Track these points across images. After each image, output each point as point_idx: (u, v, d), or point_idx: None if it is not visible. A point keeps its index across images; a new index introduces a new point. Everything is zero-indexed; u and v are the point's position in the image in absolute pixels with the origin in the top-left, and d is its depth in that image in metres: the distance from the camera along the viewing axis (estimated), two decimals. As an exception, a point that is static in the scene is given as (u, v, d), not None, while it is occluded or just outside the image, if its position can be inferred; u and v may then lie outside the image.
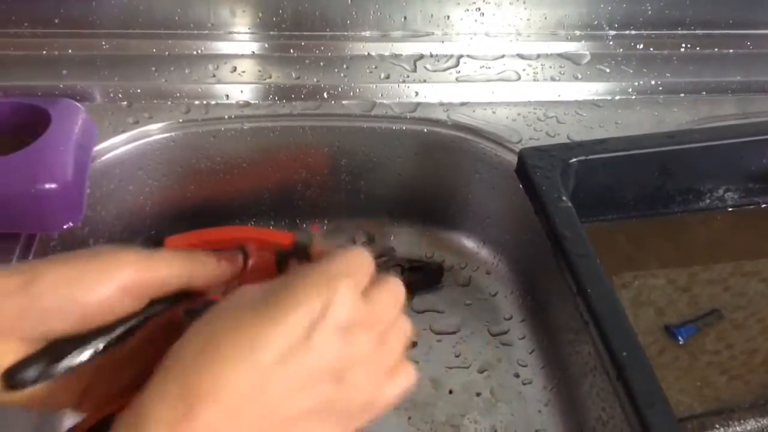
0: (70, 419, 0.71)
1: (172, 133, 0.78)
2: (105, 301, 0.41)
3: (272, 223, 0.88)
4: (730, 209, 0.75)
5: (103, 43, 0.82)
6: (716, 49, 0.92)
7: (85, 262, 0.41)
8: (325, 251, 0.45)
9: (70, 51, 0.81)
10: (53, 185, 0.66)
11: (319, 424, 0.38)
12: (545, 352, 0.81)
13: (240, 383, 0.35)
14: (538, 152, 0.66)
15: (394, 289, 0.41)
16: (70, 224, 0.68)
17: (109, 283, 0.41)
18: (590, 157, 0.66)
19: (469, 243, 0.90)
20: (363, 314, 0.39)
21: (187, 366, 0.36)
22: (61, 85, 0.77)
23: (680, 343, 0.66)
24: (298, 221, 0.88)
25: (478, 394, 0.78)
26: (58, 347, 0.41)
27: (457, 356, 0.81)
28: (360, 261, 0.41)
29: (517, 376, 0.80)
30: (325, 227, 0.89)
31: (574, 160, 0.66)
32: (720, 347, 0.66)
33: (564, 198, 0.62)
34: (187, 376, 0.35)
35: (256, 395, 0.36)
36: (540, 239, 0.79)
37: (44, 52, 0.81)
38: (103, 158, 0.75)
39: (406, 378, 0.41)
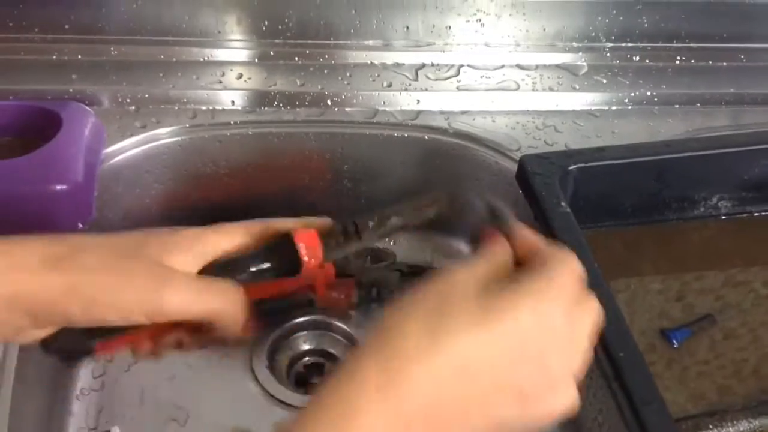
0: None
1: (179, 138, 0.80)
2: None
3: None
4: (723, 217, 0.77)
5: (112, 49, 0.84)
6: (710, 62, 0.94)
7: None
8: (527, 242, 0.45)
9: (79, 56, 0.83)
10: (64, 186, 0.67)
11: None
12: (542, 355, 0.82)
13: (440, 376, 0.37)
14: (538, 159, 0.68)
15: (592, 315, 0.42)
16: (80, 225, 0.69)
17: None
18: (589, 164, 0.68)
19: (468, 249, 0.91)
20: (563, 340, 0.40)
21: (397, 347, 0.37)
22: (70, 90, 0.79)
23: (675, 346, 0.67)
24: (300, 226, 0.90)
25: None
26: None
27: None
28: (575, 272, 0.42)
29: (514, 379, 0.81)
30: (326, 232, 0.90)
31: (573, 167, 0.68)
32: (713, 351, 0.67)
33: (563, 204, 0.64)
34: (394, 357, 0.37)
35: (451, 392, 0.37)
36: (538, 245, 0.81)
37: (54, 57, 0.82)
38: (111, 161, 0.76)
39: (569, 395, 0.41)
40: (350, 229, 0.50)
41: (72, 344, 0.47)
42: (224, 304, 0.46)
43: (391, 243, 0.91)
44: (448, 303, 0.39)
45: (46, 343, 0.46)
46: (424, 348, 0.37)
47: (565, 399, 0.40)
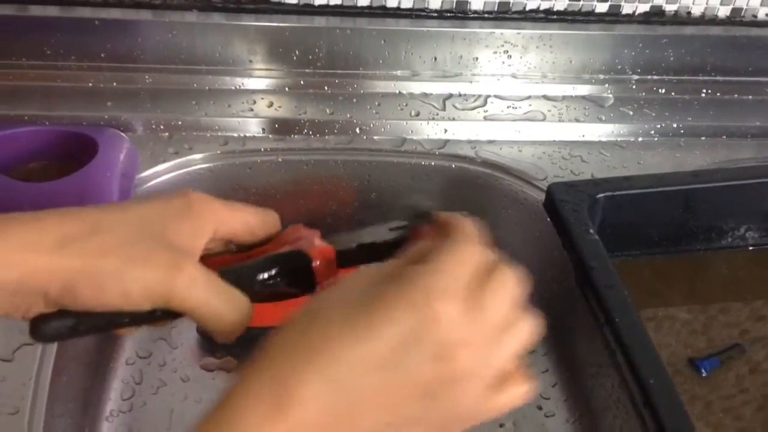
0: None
1: (210, 164, 0.81)
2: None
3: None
4: (750, 248, 0.77)
5: (147, 77, 0.86)
6: (736, 95, 0.94)
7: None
8: (442, 225, 0.43)
9: (114, 84, 0.85)
10: (100, 210, 0.68)
11: None
12: (568, 385, 0.82)
13: (327, 391, 0.36)
14: (566, 187, 0.69)
15: (507, 287, 0.39)
16: (114, 248, 0.70)
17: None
18: (617, 193, 0.69)
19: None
20: (466, 331, 0.37)
21: (279, 366, 0.36)
22: (105, 116, 0.81)
23: (703, 375, 0.67)
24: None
25: (501, 425, 0.79)
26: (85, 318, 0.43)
27: (481, 387, 0.82)
28: (466, 261, 0.38)
29: (540, 408, 0.81)
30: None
31: (601, 195, 0.68)
32: (743, 380, 0.67)
33: (591, 231, 0.65)
34: (280, 376, 0.36)
35: (343, 404, 0.36)
36: (563, 276, 0.82)
37: (90, 84, 0.84)
38: (145, 186, 0.78)
39: (516, 390, 0.39)
40: (365, 242, 0.49)
41: (62, 333, 0.45)
42: (231, 312, 0.45)
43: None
44: (319, 312, 0.38)
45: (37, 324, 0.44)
46: (299, 362, 0.36)
47: (505, 395, 0.38)
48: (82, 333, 0.44)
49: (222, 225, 0.47)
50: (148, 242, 0.43)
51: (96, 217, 0.44)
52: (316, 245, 0.48)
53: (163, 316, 0.44)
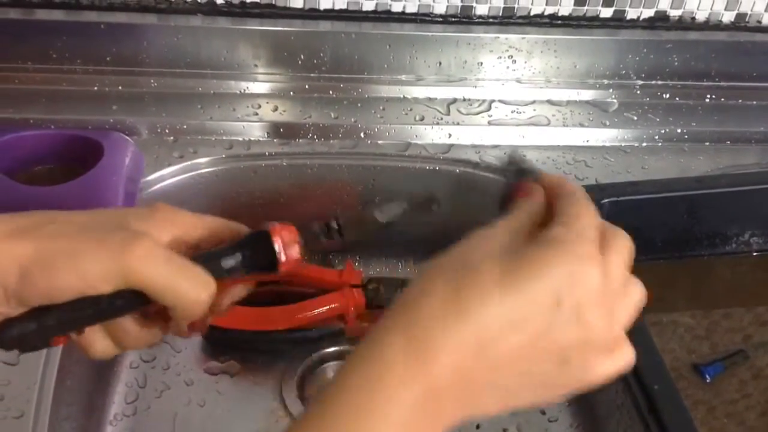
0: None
1: (215, 168, 0.81)
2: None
3: (305, 258, 0.90)
4: (755, 254, 0.77)
5: (152, 81, 0.86)
6: (740, 101, 0.94)
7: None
8: (555, 187, 0.43)
9: (120, 87, 0.85)
10: (105, 213, 0.69)
11: (532, 394, 0.38)
12: (571, 390, 0.82)
13: (470, 345, 0.36)
14: (571, 193, 0.69)
15: (626, 249, 0.40)
16: (118, 251, 0.70)
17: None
18: (621, 198, 0.69)
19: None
20: (601, 294, 0.38)
21: (425, 314, 0.37)
22: (110, 120, 0.81)
23: (707, 381, 0.67)
24: (330, 256, 0.91)
25: (504, 430, 0.79)
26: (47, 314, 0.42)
27: (485, 392, 0.82)
28: (595, 225, 0.39)
29: (543, 413, 0.81)
30: (357, 263, 0.91)
31: (606, 201, 0.69)
32: (746, 386, 0.67)
33: (596, 237, 0.65)
34: (426, 326, 0.36)
35: (483, 359, 0.36)
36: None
37: (96, 88, 0.85)
38: (149, 190, 0.78)
39: (623, 357, 0.39)
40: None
41: (27, 335, 0.43)
42: (192, 286, 0.43)
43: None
44: (470, 266, 0.38)
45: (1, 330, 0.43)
46: (449, 314, 0.36)
47: (614, 360, 0.39)
48: (50, 334, 0.43)
49: (187, 228, 0.46)
50: (105, 227, 0.42)
51: (51, 212, 0.43)
52: (277, 225, 0.46)
53: (126, 303, 0.43)
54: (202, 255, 0.45)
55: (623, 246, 0.40)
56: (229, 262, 0.45)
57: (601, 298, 0.38)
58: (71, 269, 0.41)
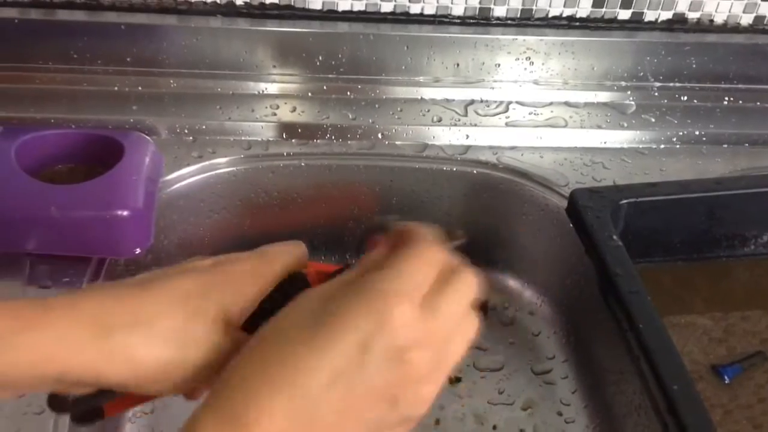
0: None
1: (234, 168, 0.82)
2: None
3: (323, 257, 0.91)
4: (774, 256, 0.77)
5: (171, 81, 0.87)
6: (758, 103, 0.94)
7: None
8: (399, 234, 0.42)
9: (140, 88, 0.86)
10: (125, 212, 0.69)
11: None
12: (588, 391, 0.82)
13: (287, 410, 0.35)
14: (590, 193, 0.69)
15: (463, 289, 0.40)
16: (139, 250, 0.71)
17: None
18: (640, 199, 0.69)
19: (514, 283, 0.92)
20: (421, 332, 0.37)
21: (236, 391, 0.36)
22: (130, 120, 0.82)
23: (726, 382, 0.67)
24: (347, 256, 0.91)
25: (521, 431, 0.79)
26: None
27: (501, 393, 0.82)
28: (421, 267, 0.39)
29: (560, 414, 0.81)
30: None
31: (624, 201, 0.69)
32: (764, 388, 0.67)
33: (614, 237, 0.65)
34: (236, 403, 0.36)
35: (305, 419, 0.36)
36: (584, 281, 0.82)
37: (116, 88, 0.85)
38: (169, 190, 0.79)
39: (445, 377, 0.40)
40: None
41: (84, 409, 0.46)
42: None
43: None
44: (281, 335, 0.38)
45: (59, 404, 0.44)
46: (263, 387, 0.36)
47: (432, 388, 0.39)
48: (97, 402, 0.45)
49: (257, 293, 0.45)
50: (199, 324, 0.42)
51: (136, 297, 0.42)
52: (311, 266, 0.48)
53: None
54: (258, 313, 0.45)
55: (463, 284, 0.40)
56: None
57: (420, 332, 0.37)
58: (159, 384, 0.42)
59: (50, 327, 0.39)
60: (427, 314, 0.38)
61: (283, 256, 0.46)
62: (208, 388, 0.40)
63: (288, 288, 0.45)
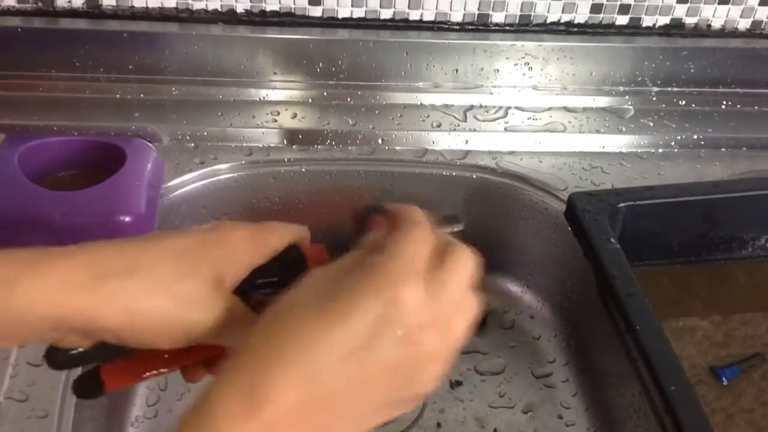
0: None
1: (235, 174, 0.82)
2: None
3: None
4: (772, 258, 0.77)
5: (173, 88, 0.87)
6: (756, 107, 0.95)
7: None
8: (394, 216, 0.43)
9: (142, 95, 0.86)
10: (128, 218, 0.70)
11: (382, 415, 0.39)
12: (588, 394, 0.82)
13: (299, 386, 0.36)
14: (588, 196, 0.69)
15: (462, 265, 0.40)
16: (141, 256, 0.71)
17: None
18: (638, 202, 0.69)
19: (514, 287, 0.92)
20: (428, 312, 0.38)
21: (252, 365, 0.37)
22: (132, 127, 0.82)
23: (724, 384, 0.67)
24: (349, 262, 0.92)
25: (522, 434, 0.80)
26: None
27: (502, 396, 0.83)
28: (422, 243, 0.40)
29: (560, 417, 0.81)
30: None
31: (622, 205, 0.69)
32: (763, 390, 0.67)
33: (612, 240, 0.65)
34: (247, 378, 0.36)
35: (317, 395, 0.37)
36: (583, 285, 0.82)
37: (118, 95, 0.86)
38: (171, 196, 0.79)
39: (450, 358, 0.40)
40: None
41: (84, 378, 0.46)
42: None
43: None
44: (295, 312, 0.38)
45: (55, 359, 0.45)
46: (281, 361, 0.37)
47: (446, 363, 0.40)
48: (93, 361, 0.45)
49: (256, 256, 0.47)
50: (191, 279, 0.43)
51: (135, 249, 0.43)
52: (309, 244, 0.48)
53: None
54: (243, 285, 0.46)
55: (460, 261, 0.40)
56: (262, 281, 0.46)
57: (428, 312, 0.38)
58: (158, 332, 0.42)
59: (50, 272, 0.40)
60: (431, 294, 0.39)
61: (284, 230, 0.48)
62: (203, 357, 0.43)
63: (284, 261, 0.47)
